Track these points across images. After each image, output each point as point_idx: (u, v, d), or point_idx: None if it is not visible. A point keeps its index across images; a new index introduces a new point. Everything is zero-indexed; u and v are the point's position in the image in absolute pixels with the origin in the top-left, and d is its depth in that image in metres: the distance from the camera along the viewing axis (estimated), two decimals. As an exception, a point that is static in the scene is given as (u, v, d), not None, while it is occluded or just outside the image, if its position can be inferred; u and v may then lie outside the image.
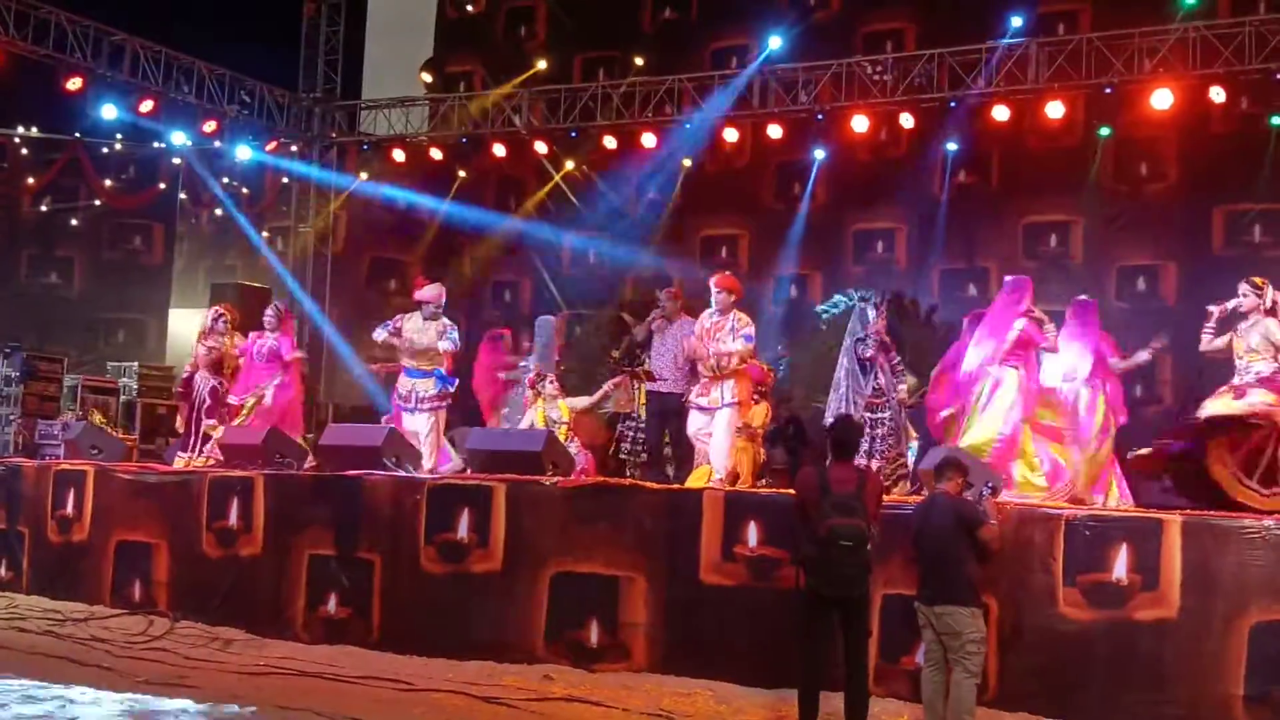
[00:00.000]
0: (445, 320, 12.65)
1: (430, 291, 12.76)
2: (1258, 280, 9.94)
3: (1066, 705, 8.46)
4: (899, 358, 12.43)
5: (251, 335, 13.37)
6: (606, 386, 13.36)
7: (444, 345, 12.53)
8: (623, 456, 13.81)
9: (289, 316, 13.73)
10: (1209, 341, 10.17)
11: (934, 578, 8.10)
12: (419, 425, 12.36)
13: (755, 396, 12.47)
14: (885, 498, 9.01)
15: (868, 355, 12.27)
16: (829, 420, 11.99)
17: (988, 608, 8.26)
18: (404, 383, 12.62)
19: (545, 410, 12.85)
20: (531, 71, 19.92)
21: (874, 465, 11.69)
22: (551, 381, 13.04)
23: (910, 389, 12.75)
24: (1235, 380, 9.81)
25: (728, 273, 11.79)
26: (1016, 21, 16.84)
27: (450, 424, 13.34)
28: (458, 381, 12.93)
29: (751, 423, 12.41)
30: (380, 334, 12.79)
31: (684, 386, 12.00)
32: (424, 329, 12.58)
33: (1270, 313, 9.78)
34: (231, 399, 13.27)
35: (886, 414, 12.22)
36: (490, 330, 15.01)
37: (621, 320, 15.04)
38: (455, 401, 13.00)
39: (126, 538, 12.22)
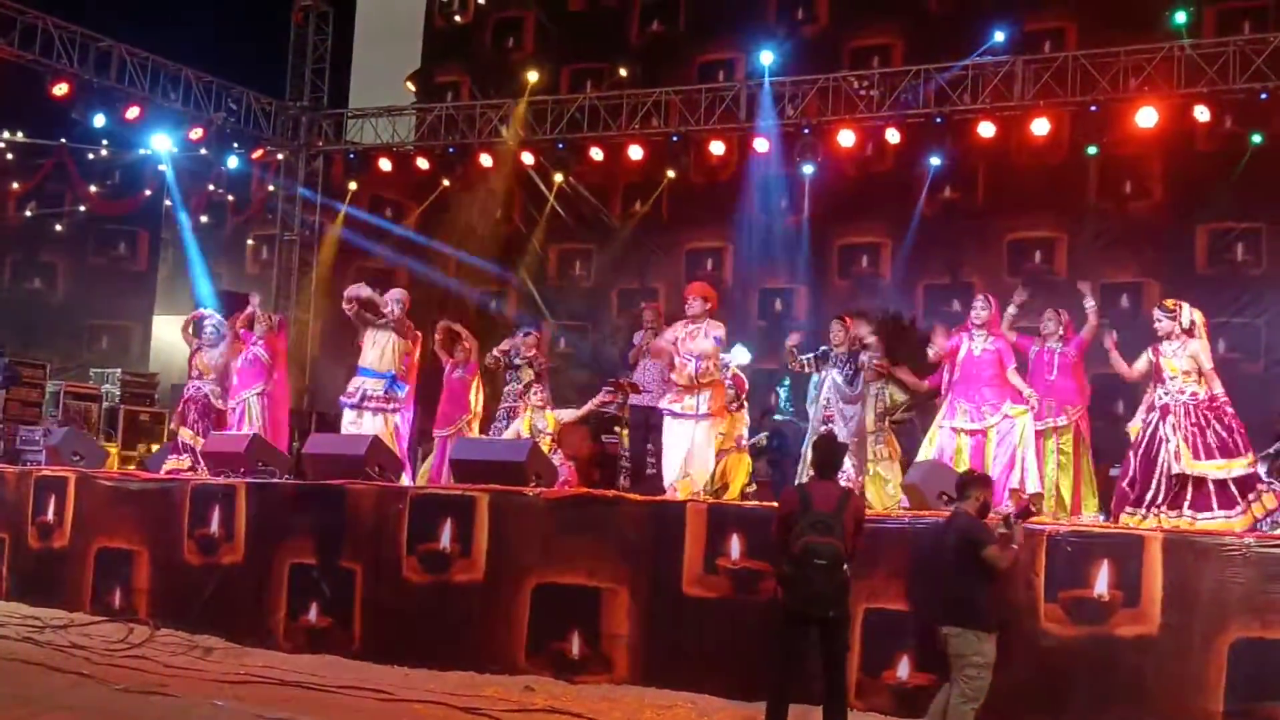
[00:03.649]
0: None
1: (389, 294, 12.85)
2: (1168, 303, 10.21)
3: (1047, 721, 8.49)
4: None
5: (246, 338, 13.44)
6: (593, 403, 13.31)
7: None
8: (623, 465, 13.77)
9: (284, 324, 13.75)
10: (1128, 370, 10.44)
11: (943, 598, 8.09)
12: (366, 427, 12.32)
13: (734, 405, 12.47)
14: (868, 512, 9.03)
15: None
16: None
17: (1000, 632, 8.09)
18: (354, 381, 12.66)
19: (532, 420, 12.84)
20: (529, 90, 19.87)
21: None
22: (538, 391, 13.03)
23: (897, 404, 12.70)
24: (1166, 399, 9.94)
25: (702, 281, 11.77)
26: (1001, 37, 16.89)
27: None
28: (408, 388, 12.93)
29: (742, 432, 12.41)
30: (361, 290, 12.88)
31: (668, 399, 12.00)
32: (380, 332, 12.65)
33: (1189, 333, 9.99)
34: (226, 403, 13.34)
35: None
36: None
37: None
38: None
39: (107, 544, 12.20)
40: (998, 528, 8.11)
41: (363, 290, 12.77)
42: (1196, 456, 9.71)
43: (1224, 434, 9.75)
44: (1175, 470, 9.74)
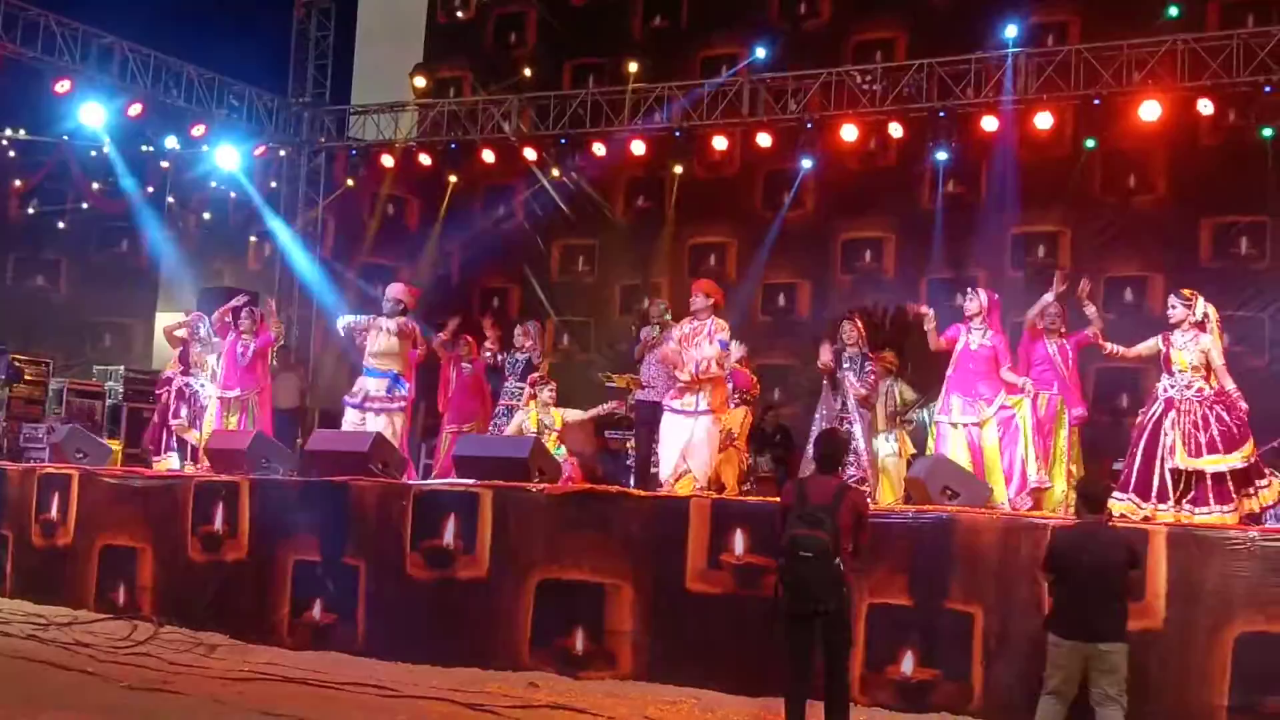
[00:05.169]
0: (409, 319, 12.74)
1: (390, 289, 12.83)
2: (1185, 292, 10.16)
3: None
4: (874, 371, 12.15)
5: (230, 337, 13.44)
6: (606, 407, 13.38)
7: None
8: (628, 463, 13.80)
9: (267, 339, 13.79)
10: (1129, 350, 10.45)
11: (1097, 613, 7.66)
12: (375, 427, 12.31)
13: (734, 400, 12.44)
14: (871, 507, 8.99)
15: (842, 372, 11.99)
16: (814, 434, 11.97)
17: None
18: (358, 381, 12.68)
19: (539, 415, 12.88)
20: (515, 79, 19.89)
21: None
22: (550, 389, 13.07)
23: (907, 402, 12.63)
24: (1171, 392, 9.87)
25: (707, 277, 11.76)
26: (1008, 32, 16.86)
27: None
28: (411, 386, 12.92)
29: (731, 428, 12.36)
30: (345, 320, 12.92)
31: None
32: (381, 331, 12.64)
33: (1201, 326, 9.95)
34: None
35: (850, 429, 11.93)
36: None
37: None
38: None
39: (111, 542, 12.20)
40: None
41: (355, 322, 12.84)
42: (1192, 454, 9.68)
43: (1228, 426, 9.70)
44: (1170, 465, 9.73)
